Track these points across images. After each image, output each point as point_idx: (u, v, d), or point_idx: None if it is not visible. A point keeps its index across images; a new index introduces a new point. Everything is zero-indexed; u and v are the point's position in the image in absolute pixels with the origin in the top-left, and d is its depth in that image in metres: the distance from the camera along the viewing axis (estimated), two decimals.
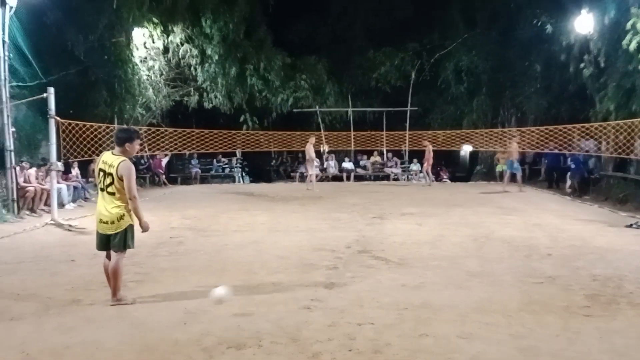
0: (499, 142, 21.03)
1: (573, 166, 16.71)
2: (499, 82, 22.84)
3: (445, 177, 23.65)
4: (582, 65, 15.69)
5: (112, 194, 5.30)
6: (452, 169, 26.20)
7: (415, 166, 22.98)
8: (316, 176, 22.87)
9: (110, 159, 5.34)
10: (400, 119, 23.97)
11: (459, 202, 14.11)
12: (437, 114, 25.22)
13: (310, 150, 17.89)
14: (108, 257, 5.49)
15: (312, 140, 18.23)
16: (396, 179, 22.74)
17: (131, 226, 5.39)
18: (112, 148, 5.53)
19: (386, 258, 7.54)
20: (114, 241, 5.36)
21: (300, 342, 4.35)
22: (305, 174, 18.32)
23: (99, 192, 5.45)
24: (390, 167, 23.65)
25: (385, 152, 23.97)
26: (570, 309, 5.24)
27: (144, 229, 5.46)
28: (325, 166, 23.46)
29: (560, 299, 5.56)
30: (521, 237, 9.05)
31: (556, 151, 18.00)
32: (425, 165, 19.95)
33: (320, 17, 25.69)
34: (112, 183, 5.29)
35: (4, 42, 12.25)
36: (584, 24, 15.46)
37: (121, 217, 5.31)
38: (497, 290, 5.93)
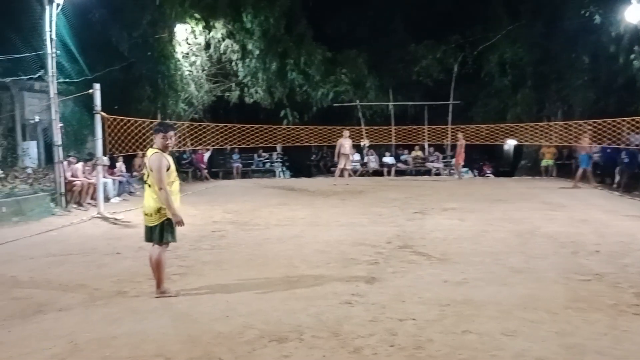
0: (544, 136, 20.53)
1: (627, 160, 16.08)
2: (544, 75, 22.25)
3: (488, 172, 23.23)
4: (632, 56, 15.16)
5: (150, 186, 5.41)
6: (496, 163, 25.69)
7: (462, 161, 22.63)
8: (355, 171, 22.91)
9: (148, 153, 5.48)
10: (442, 112, 23.67)
11: (502, 198, 13.84)
12: (480, 107, 24.73)
13: (343, 144, 17.73)
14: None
15: (346, 134, 18.12)
16: (438, 174, 22.45)
17: (170, 220, 5.43)
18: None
19: (427, 253, 7.46)
20: (153, 233, 5.45)
21: (342, 336, 4.33)
22: (341, 167, 18.17)
23: (145, 185, 5.57)
24: (432, 161, 23.34)
25: (426, 146, 23.69)
26: (619, 307, 5.07)
27: (175, 221, 5.42)
28: (365, 161, 23.37)
29: (608, 297, 5.39)
30: (567, 233, 8.80)
31: (606, 145, 17.41)
32: (456, 159, 19.63)
33: (361, 10, 25.50)
34: (149, 176, 5.40)
35: (51, 39, 12.54)
36: (634, 13, 14.91)
37: (158, 210, 5.38)
38: (541, 287, 5.79)
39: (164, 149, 5.46)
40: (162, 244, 5.47)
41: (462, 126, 21.74)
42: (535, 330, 4.47)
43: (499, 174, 23.22)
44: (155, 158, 5.35)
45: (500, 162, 26.95)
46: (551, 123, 21.23)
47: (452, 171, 21.56)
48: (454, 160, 20.13)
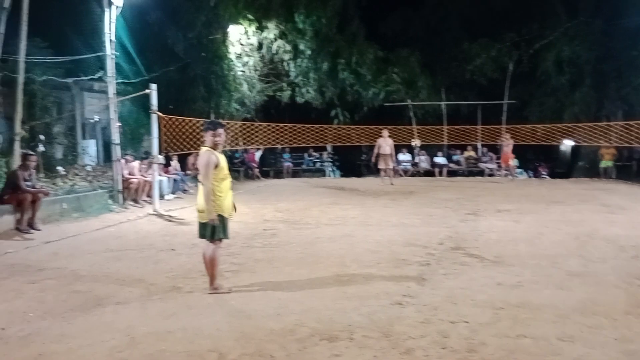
0: (603, 136, 19.85)
1: None
2: (603, 73, 21.53)
3: (544, 172, 22.62)
4: None
5: (201, 183, 5.52)
6: (551, 164, 25.00)
7: (512, 161, 22.10)
8: (406, 171, 22.72)
9: (200, 152, 5.59)
10: (496, 112, 23.21)
11: (559, 199, 13.45)
12: (536, 106, 24.05)
13: (381, 145, 17.56)
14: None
15: (385, 134, 17.93)
16: (491, 175, 21.99)
17: (220, 217, 5.50)
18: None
19: (481, 255, 7.32)
20: (205, 230, 5.53)
21: (393, 337, 4.31)
22: (385, 169, 17.90)
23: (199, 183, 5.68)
24: (485, 162, 22.86)
25: (479, 146, 23.28)
26: None
27: (207, 218, 5.43)
28: (416, 161, 23.15)
29: None
30: (628, 237, 8.47)
31: None
32: (504, 159, 19.18)
33: (414, 9, 25.32)
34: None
35: (110, 41, 12.93)
36: None
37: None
38: (600, 291, 5.60)
39: (214, 146, 5.55)
40: (215, 241, 5.55)
41: (518, 126, 21.31)
42: (594, 336, 4.33)
43: (555, 175, 22.57)
44: (203, 155, 5.47)
45: (556, 163, 26.20)
46: (611, 123, 20.49)
47: (505, 172, 21.09)
48: (501, 161, 19.67)
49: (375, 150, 17.78)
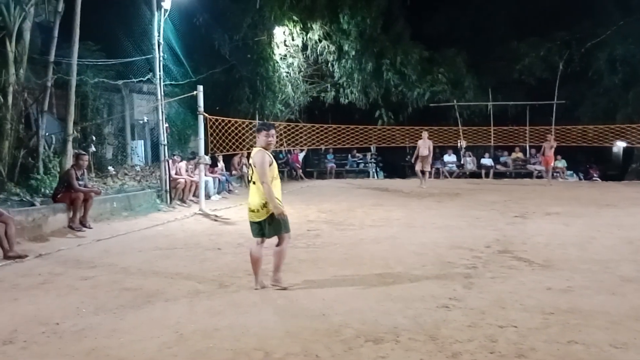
0: None
1: None
2: None
3: (595, 175, 21.95)
4: None
5: (255, 183, 5.61)
6: (603, 166, 24.25)
7: (560, 163, 21.58)
8: (451, 173, 22.44)
9: (252, 152, 5.70)
10: (545, 113, 22.65)
11: (611, 202, 13.05)
12: (587, 107, 23.39)
13: (420, 146, 17.31)
14: (260, 243, 5.78)
15: (424, 135, 17.69)
16: (540, 177, 21.47)
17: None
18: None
19: (529, 259, 7.16)
20: (266, 229, 5.64)
21: (439, 340, 4.25)
22: (419, 169, 17.61)
23: (250, 184, 5.78)
24: (534, 164, 22.34)
25: (528, 148, 22.78)
26: None
27: (275, 213, 5.54)
28: (462, 162, 22.83)
29: None
30: None
31: None
32: (546, 161, 18.69)
33: (460, 8, 24.98)
34: (253, 174, 5.62)
35: (159, 43, 13.21)
36: None
37: (264, 205, 5.55)
38: None
39: (266, 146, 5.67)
40: (284, 235, 5.67)
41: (568, 127, 20.79)
42: None
43: (607, 178, 21.87)
44: (257, 155, 5.59)
45: (608, 165, 25.40)
46: None
47: (557, 174, 20.60)
48: (543, 163, 19.20)
49: (416, 152, 17.59)
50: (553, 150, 18.63)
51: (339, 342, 4.23)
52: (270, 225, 5.61)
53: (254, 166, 5.56)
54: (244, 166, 17.71)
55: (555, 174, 20.73)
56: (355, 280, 6.13)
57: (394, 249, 7.98)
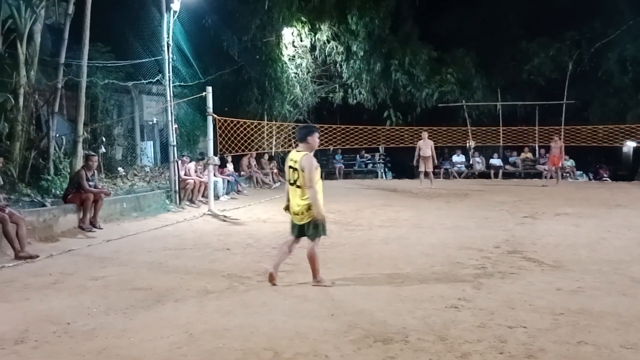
0: None
1: None
2: None
3: (605, 175, 21.81)
4: None
5: (299, 187, 5.73)
6: (613, 166, 24.08)
7: (568, 162, 21.46)
8: (460, 173, 22.36)
9: (295, 156, 5.81)
10: (554, 113, 22.53)
11: (621, 203, 12.98)
12: (597, 107, 23.27)
13: (421, 147, 17.22)
14: (295, 241, 6.03)
15: (425, 135, 17.62)
16: (550, 177, 21.38)
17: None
18: (296, 146, 6.05)
19: (539, 260, 7.14)
20: (308, 231, 5.80)
21: (448, 341, 4.25)
22: (422, 171, 17.50)
23: (290, 186, 5.91)
24: (543, 164, 22.23)
25: (537, 148, 22.68)
26: None
27: (317, 218, 5.72)
28: (471, 162, 22.76)
29: None
30: None
31: None
32: (553, 161, 18.57)
33: (469, 8, 24.91)
34: (298, 177, 5.73)
35: (168, 45, 13.27)
36: None
37: (308, 208, 5.70)
38: None
39: (312, 149, 5.85)
40: (317, 238, 5.83)
41: (578, 127, 20.69)
42: None
43: (617, 178, 21.72)
44: (307, 158, 5.71)
45: (618, 166, 25.23)
46: None
47: (566, 174, 20.48)
48: (549, 163, 19.09)
49: (417, 153, 17.51)
50: (560, 150, 18.50)
51: (348, 342, 4.24)
52: (311, 227, 5.77)
53: (302, 170, 5.66)
54: (254, 167, 17.78)
55: (565, 174, 20.62)
56: (364, 281, 6.14)
57: (403, 249, 7.98)
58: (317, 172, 5.76)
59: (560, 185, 18.23)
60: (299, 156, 5.74)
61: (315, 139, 5.91)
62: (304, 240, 5.94)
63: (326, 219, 5.90)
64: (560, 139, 19.06)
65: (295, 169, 5.74)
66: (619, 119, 21.43)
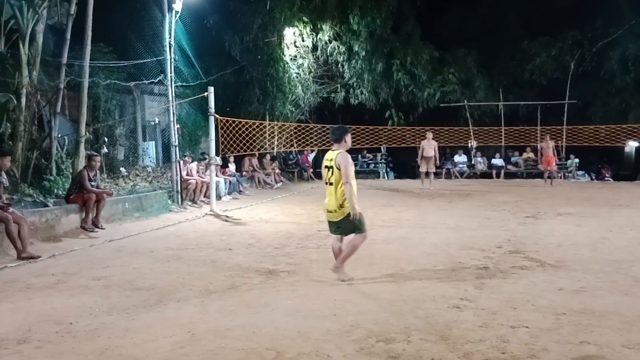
0: None
1: None
2: None
3: (607, 175, 21.80)
4: None
5: (332, 184, 5.91)
6: (615, 166, 24.07)
7: (570, 161, 21.45)
8: (462, 173, 22.36)
9: (330, 155, 6.04)
10: (556, 113, 22.54)
11: (623, 202, 12.97)
12: (599, 107, 23.27)
13: (424, 147, 17.19)
14: (339, 240, 6.24)
15: (429, 136, 17.59)
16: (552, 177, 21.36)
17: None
18: (331, 146, 6.26)
19: (541, 260, 7.13)
20: (341, 227, 6.04)
21: (451, 340, 4.25)
22: (424, 171, 17.45)
23: (326, 185, 6.13)
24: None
25: (539, 148, 22.63)
26: None
27: (352, 214, 5.86)
28: (473, 162, 22.75)
29: None
30: None
31: None
32: (547, 161, 18.51)
33: (471, 8, 24.92)
34: (332, 175, 5.89)
35: (170, 45, 13.27)
36: None
37: (341, 205, 5.89)
38: None
39: (346, 148, 6.06)
40: (359, 233, 5.99)
41: (579, 127, 20.68)
42: None
43: (619, 178, 21.71)
44: (343, 155, 5.90)
45: (620, 165, 25.22)
46: None
47: (569, 174, 20.44)
48: (543, 165, 19.05)
49: (420, 153, 17.49)
50: (553, 150, 18.46)
51: (351, 342, 4.24)
52: (346, 224, 5.93)
53: (338, 167, 5.83)
54: (256, 167, 17.80)
55: (567, 174, 20.61)
56: (366, 281, 6.14)
57: (405, 249, 7.98)
58: (352, 169, 5.89)
59: (562, 185, 18.22)
60: (335, 154, 5.94)
61: (349, 139, 6.17)
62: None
63: (363, 216, 6.02)
64: (550, 138, 19.00)
65: (330, 167, 5.92)
66: (621, 118, 21.43)
